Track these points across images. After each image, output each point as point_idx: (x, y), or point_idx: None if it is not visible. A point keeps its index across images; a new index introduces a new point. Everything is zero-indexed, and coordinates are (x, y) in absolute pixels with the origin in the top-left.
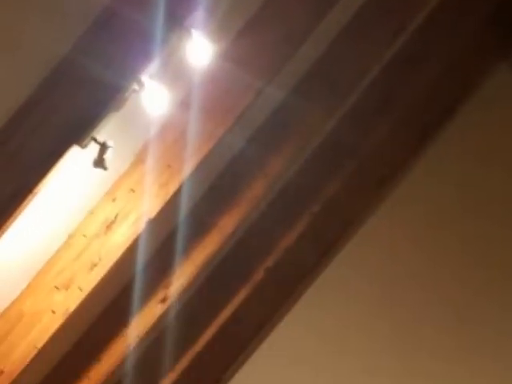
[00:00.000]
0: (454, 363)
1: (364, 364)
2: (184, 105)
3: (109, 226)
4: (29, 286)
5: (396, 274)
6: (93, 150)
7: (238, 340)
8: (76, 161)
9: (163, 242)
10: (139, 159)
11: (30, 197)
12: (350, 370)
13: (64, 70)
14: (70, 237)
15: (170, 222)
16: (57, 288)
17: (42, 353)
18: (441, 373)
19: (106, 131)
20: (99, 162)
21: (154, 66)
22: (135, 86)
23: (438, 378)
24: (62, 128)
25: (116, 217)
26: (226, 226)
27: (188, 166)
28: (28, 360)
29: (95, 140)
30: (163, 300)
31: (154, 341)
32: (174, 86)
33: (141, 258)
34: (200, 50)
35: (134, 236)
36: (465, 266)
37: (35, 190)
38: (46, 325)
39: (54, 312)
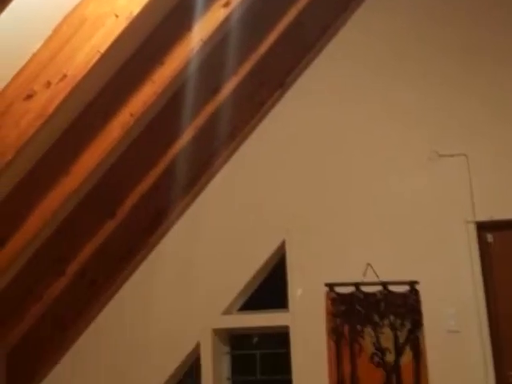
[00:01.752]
0: None
1: (425, 68)
2: None
3: None
4: None
5: None
6: None
7: (302, 43)
8: None
9: None
10: None
11: None
12: (409, 74)
13: None
14: None
15: None
16: None
17: (105, 57)
18: (503, 75)
19: None
20: None
21: None
22: None
23: (500, 81)
24: None
25: None
26: None
27: None
28: (91, 64)
29: None
30: (226, 4)
31: (217, 44)
32: None
33: None
34: None
35: None
36: None
37: None
38: (110, 29)
39: (117, 16)
